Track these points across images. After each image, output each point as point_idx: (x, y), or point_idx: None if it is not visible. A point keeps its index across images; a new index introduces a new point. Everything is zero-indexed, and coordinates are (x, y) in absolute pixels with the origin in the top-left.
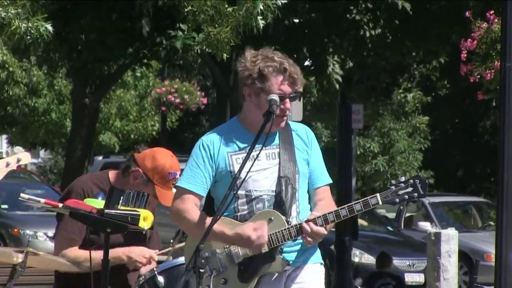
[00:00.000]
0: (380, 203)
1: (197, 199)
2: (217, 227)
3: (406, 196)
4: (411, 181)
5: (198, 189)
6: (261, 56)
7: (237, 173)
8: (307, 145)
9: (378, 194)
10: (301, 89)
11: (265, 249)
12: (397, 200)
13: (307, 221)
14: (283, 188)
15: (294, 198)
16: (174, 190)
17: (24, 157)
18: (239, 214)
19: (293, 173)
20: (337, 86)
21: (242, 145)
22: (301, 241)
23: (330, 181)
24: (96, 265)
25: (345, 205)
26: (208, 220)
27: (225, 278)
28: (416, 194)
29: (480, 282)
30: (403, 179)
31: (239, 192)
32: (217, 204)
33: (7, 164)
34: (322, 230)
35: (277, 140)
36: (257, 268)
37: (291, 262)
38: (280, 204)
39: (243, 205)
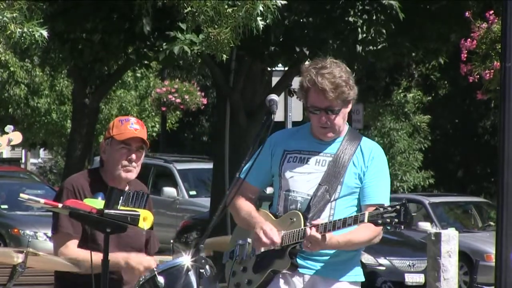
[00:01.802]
0: (366, 221)
1: (250, 188)
2: (248, 214)
3: (388, 220)
4: (398, 207)
5: (250, 179)
6: (309, 67)
7: (243, 164)
8: (365, 161)
9: (366, 212)
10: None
11: (278, 246)
12: (380, 221)
13: (310, 226)
14: (318, 194)
15: (328, 207)
16: (132, 127)
17: (15, 136)
18: (277, 212)
19: (335, 183)
20: None
21: (300, 146)
22: (332, 253)
23: (382, 202)
24: (95, 268)
25: (341, 218)
26: (250, 210)
27: (245, 267)
28: (396, 220)
29: (480, 282)
30: (396, 203)
31: (281, 191)
32: (274, 200)
33: None
34: (317, 236)
35: (334, 150)
36: (268, 263)
37: (313, 270)
38: (309, 209)
39: (281, 203)
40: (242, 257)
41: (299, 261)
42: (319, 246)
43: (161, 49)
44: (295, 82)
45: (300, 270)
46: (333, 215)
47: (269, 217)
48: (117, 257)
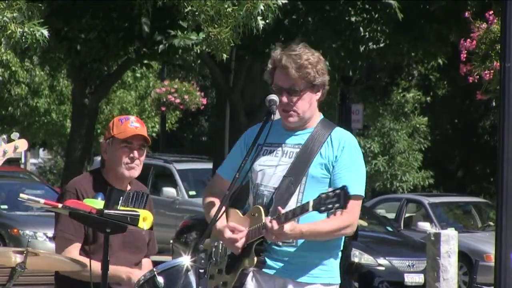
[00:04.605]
0: (310, 209)
1: (224, 182)
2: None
3: (330, 206)
4: (338, 191)
5: (224, 172)
6: (279, 49)
7: (242, 162)
8: (334, 151)
9: (311, 200)
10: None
11: (244, 244)
12: (323, 208)
13: (271, 218)
14: (282, 187)
15: (294, 200)
16: (132, 125)
17: (21, 144)
18: (248, 206)
19: (300, 175)
20: None
21: (271, 139)
22: (303, 254)
23: (355, 192)
24: (94, 277)
25: (291, 209)
26: (213, 212)
27: (220, 269)
28: (338, 205)
29: (479, 283)
30: (337, 187)
31: (252, 185)
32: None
33: (4, 153)
34: (272, 226)
35: (303, 140)
36: (238, 263)
37: (283, 272)
38: (272, 202)
39: (251, 198)
40: (217, 259)
41: (270, 262)
42: (283, 236)
43: (160, 45)
44: None
45: (271, 272)
46: None
47: (237, 215)
48: (119, 270)
